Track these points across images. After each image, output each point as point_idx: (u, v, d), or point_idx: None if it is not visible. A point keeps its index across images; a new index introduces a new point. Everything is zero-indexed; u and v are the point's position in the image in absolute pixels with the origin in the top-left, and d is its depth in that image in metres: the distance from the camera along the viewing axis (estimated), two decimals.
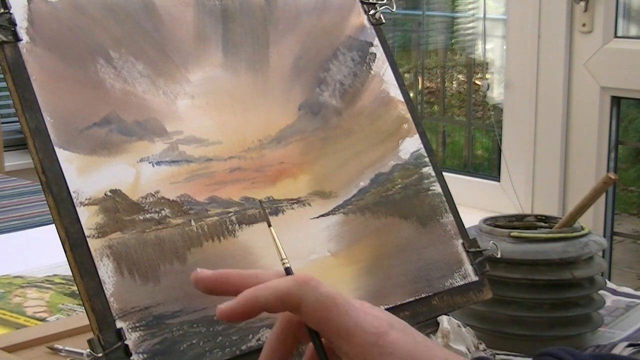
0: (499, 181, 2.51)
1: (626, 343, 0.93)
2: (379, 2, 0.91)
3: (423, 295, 0.80)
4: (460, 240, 0.85)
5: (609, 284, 1.11)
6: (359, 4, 0.91)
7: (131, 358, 0.63)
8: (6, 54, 0.67)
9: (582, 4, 2.19)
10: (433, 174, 0.87)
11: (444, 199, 0.87)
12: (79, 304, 1.04)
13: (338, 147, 0.82)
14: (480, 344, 0.86)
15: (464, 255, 0.85)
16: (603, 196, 2.12)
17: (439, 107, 3.00)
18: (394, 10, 0.92)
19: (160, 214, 0.69)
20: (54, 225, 0.65)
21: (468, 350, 0.83)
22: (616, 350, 0.91)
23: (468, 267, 0.84)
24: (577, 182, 2.29)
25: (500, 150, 2.49)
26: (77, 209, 0.65)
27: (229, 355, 0.67)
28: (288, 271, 0.58)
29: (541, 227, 1.01)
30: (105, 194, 0.67)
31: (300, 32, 0.85)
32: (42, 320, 0.99)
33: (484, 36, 2.61)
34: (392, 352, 0.52)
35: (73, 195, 0.65)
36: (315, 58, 0.84)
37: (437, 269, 0.82)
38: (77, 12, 0.72)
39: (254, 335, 0.69)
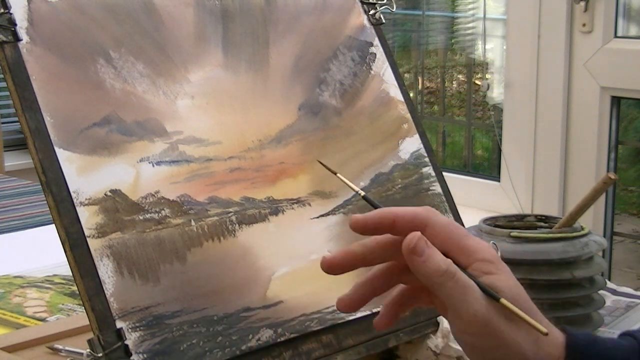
0: (499, 181, 2.51)
1: None
2: (379, 2, 0.91)
3: None
4: None
5: (609, 284, 1.11)
6: (359, 4, 0.91)
7: (131, 358, 0.63)
8: (6, 54, 0.67)
9: (582, 4, 2.19)
10: (433, 174, 0.87)
11: (444, 199, 0.87)
12: (79, 304, 1.04)
13: (338, 147, 0.82)
14: None
15: None
16: (603, 196, 2.12)
17: (439, 107, 3.00)
18: (394, 10, 0.92)
19: (160, 214, 0.69)
20: (54, 225, 0.65)
21: None
22: None
23: None
24: (577, 182, 2.29)
25: (500, 150, 2.49)
26: (77, 209, 0.65)
27: (229, 355, 0.67)
28: (366, 199, 0.63)
29: (541, 227, 1.01)
30: (105, 194, 0.67)
31: (300, 32, 0.85)
32: (42, 320, 0.99)
33: (484, 36, 2.61)
34: (505, 271, 0.59)
35: (73, 195, 0.65)
36: (315, 58, 0.84)
37: None
38: (77, 12, 0.72)
39: (254, 335, 0.69)
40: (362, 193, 0.62)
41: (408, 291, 0.63)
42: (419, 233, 0.58)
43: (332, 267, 0.60)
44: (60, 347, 0.87)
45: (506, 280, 0.59)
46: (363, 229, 0.59)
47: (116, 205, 0.67)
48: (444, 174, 0.89)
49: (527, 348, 0.57)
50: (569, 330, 0.60)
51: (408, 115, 0.89)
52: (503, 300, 0.58)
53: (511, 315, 0.57)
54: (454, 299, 0.57)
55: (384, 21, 0.91)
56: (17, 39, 0.68)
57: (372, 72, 0.88)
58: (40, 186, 0.66)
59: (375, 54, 0.89)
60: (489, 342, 0.57)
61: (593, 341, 0.59)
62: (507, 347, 0.57)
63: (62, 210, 0.65)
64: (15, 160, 3.27)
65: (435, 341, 0.81)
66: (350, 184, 0.63)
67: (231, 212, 0.73)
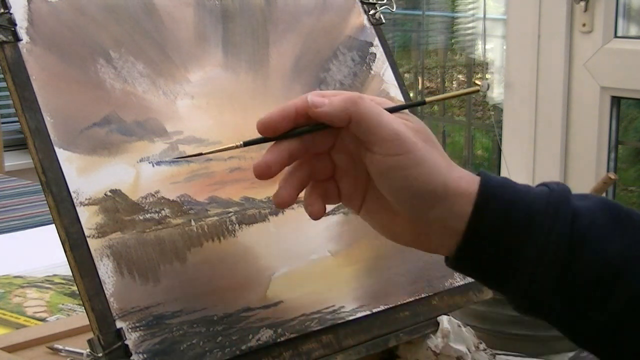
0: None
1: None
2: (379, 2, 0.91)
3: (423, 295, 0.80)
4: None
5: None
6: (359, 4, 0.91)
7: (131, 358, 0.63)
8: (6, 54, 0.67)
9: (582, 4, 2.20)
10: None
11: None
12: (79, 304, 1.04)
13: None
14: (480, 343, 0.86)
15: None
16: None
17: (439, 107, 3.00)
18: (394, 10, 0.92)
19: (160, 214, 0.69)
20: (54, 225, 0.65)
21: (468, 350, 0.83)
22: None
23: None
24: (577, 182, 2.29)
25: (500, 150, 2.49)
26: (77, 209, 0.65)
27: (229, 355, 0.67)
28: (250, 142, 0.65)
29: None
30: (105, 194, 0.67)
31: (300, 32, 0.85)
32: (42, 320, 0.99)
33: (484, 36, 2.61)
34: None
35: (73, 195, 0.66)
36: (315, 58, 0.85)
37: (437, 269, 0.82)
38: (77, 12, 0.72)
39: (254, 335, 0.69)
40: (241, 142, 0.63)
41: (318, 186, 0.66)
42: (310, 93, 0.62)
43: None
44: (60, 347, 0.87)
45: (413, 117, 0.64)
46: (272, 127, 0.62)
47: (116, 205, 0.67)
48: None
49: (443, 166, 0.61)
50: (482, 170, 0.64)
51: None
52: (427, 99, 0.66)
53: (425, 137, 0.61)
54: (373, 122, 0.60)
55: (384, 21, 0.91)
56: (17, 39, 0.68)
57: (372, 72, 0.88)
58: (40, 186, 0.66)
59: (375, 54, 0.89)
60: (411, 160, 0.60)
61: (505, 180, 0.63)
62: (428, 162, 0.60)
63: (62, 210, 0.65)
64: (15, 160, 3.28)
65: (435, 341, 0.81)
66: (223, 147, 0.64)
67: (231, 212, 0.73)
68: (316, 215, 0.65)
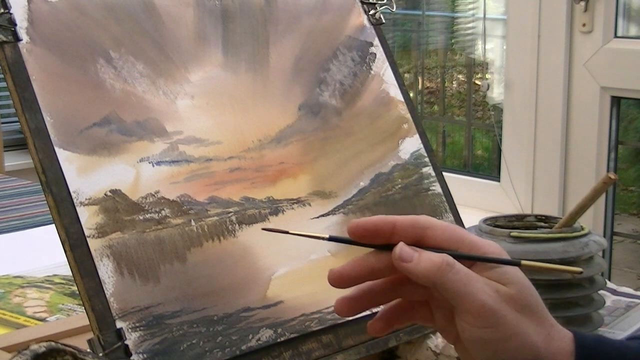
0: (499, 181, 2.51)
1: None
2: (379, 2, 0.91)
3: None
4: None
5: (609, 284, 1.11)
6: (359, 4, 0.91)
7: (131, 358, 0.63)
8: (6, 54, 0.67)
9: (582, 4, 2.19)
10: (433, 174, 0.87)
11: (444, 199, 0.87)
12: (79, 304, 1.04)
13: (338, 147, 0.82)
14: None
15: None
16: (603, 196, 2.12)
17: (439, 107, 3.00)
18: (394, 10, 0.92)
19: (160, 214, 0.69)
20: (54, 225, 0.65)
21: None
22: None
23: None
24: (577, 182, 2.29)
25: (500, 150, 2.49)
26: (77, 209, 0.65)
27: (229, 355, 0.67)
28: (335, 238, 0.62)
29: (541, 227, 1.01)
30: (105, 194, 0.67)
31: (300, 32, 0.85)
32: (42, 320, 0.99)
33: (484, 36, 2.61)
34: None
35: (73, 195, 0.66)
36: (315, 58, 0.84)
37: None
38: (77, 12, 0.72)
39: (254, 335, 0.69)
40: (327, 236, 0.60)
41: (407, 304, 0.62)
42: (401, 242, 0.57)
43: (342, 279, 0.58)
44: None
45: (515, 272, 0.58)
46: (363, 233, 0.57)
47: (116, 205, 0.67)
48: (444, 174, 0.89)
49: (538, 339, 0.56)
50: (574, 329, 0.59)
51: (408, 115, 0.89)
52: (524, 262, 0.58)
53: (522, 304, 0.57)
54: (459, 292, 0.55)
55: (384, 21, 0.91)
56: (17, 39, 0.68)
57: (372, 72, 0.88)
58: (40, 186, 0.66)
59: (375, 54, 0.89)
60: (500, 333, 0.56)
61: (600, 339, 0.59)
62: (518, 337, 0.56)
63: (62, 210, 0.65)
64: (15, 160, 3.27)
65: (435, 341, 0.81)
66: (309, 234, 0.61)
67: (231, 212, 0.73)
68: (371, 333, 0.63)
